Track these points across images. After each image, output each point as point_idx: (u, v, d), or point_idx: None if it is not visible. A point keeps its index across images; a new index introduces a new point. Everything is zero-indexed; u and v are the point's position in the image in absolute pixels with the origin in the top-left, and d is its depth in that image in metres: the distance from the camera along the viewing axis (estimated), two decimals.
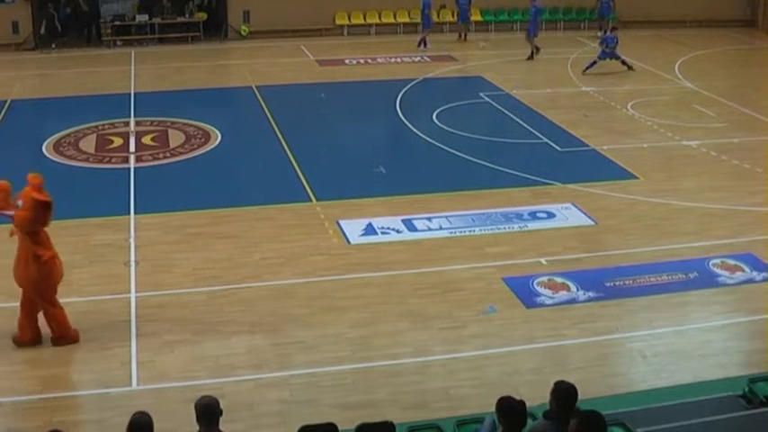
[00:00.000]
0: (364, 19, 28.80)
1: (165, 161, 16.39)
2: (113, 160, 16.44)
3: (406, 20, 28.49)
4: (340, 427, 6.97)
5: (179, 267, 11.92)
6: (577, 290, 11.21)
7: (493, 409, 6.18)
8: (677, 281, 11.53)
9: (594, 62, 23.07)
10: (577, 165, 16.25)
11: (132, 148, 17.07)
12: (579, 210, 13.87)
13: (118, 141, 17.53)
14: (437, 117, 18.97)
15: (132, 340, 10.00)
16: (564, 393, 6.18)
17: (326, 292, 11.23)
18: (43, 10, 26.99)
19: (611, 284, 11.40)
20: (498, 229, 13.21)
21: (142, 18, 27.45)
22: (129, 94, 21.19)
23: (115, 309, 10.77)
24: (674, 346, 10.01)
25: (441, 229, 13.19)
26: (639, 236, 12.99)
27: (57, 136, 17.63)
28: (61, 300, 9.91)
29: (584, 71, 23.00)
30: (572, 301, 10.98)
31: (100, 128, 18.32)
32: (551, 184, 15.04)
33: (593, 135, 17.79)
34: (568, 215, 13.72)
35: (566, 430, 5.82)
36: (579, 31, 29.33)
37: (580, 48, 26.41)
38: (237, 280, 11.52)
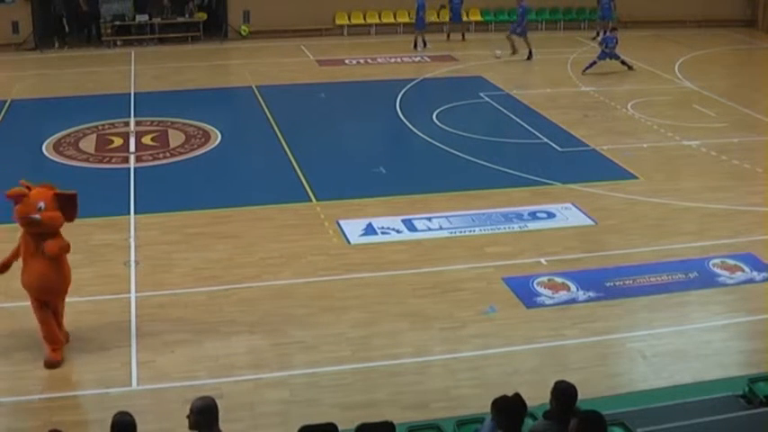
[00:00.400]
0: (364, 19, 28.80)
1: (165, 161, 16.38)
2: (113, 160, 16.44)
3: (406, 20, 28.42)
4: (340, 427, 6.97)
5: (179, 267, 11.92)
6: (577, 290, 11.21)
7: None
8: (677, 281, 11.53)
9: (594, 62, 23.06)
10: (577, 165, 16.23)
11: (132, 148, 17.07)
12: (579, 210, 13.87)
13: (118, 141, 17.53)
14: (437, 117, 18.97)
15: (132, 340, 10.00)
16: (564, 393, 6.19)
17: (326, 292, 11.22)
18: (50, 10, 26.96)
19: (611, 284, 11.39)
20: (498, 229, 13.21)
21: (142, 18, 27.45)
22: (129, 94, 21.19)
23: (115, 309, 10.77)
24: (674, 346, 10.00)
25: (441, 229, 13.19)
26: (639, 236, 12.99)
27: (57, 136, 17.63)
28: None
29: (584, 71, 22.98)
30: (572, 301, 10.98)
31: (100, 128, 18.32)
32: (551, 184, 15.04)
33: (592, 135, 17.79)
34: (568, 215, 13.71)
35: (566, 430, 5.82)
36: (579, 31, 29.31)
37: (580, 48, 26.41)
38: (237, 280, 11.51)
